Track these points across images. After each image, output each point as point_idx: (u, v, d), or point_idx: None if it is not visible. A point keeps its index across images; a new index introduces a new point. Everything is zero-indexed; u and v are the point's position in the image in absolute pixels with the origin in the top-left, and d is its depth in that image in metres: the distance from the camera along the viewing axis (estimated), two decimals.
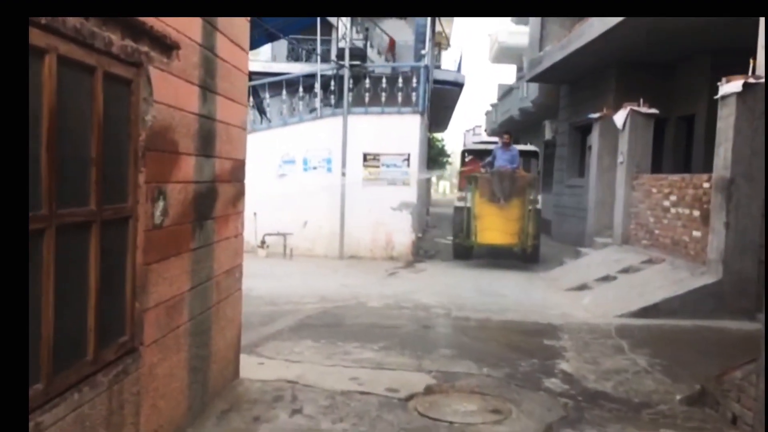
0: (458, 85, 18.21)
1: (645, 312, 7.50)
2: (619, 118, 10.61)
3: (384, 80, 12.23)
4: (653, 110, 10.38)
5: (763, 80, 7.31)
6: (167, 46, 3.25)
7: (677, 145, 13.19)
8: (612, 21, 10.84)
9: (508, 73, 43.47)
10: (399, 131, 12.14)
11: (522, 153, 12.67)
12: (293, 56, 18.25)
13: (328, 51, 16.26)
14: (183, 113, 3.57)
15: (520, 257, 11.87)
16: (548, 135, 18.34)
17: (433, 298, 8.61)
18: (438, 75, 17.63)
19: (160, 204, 3.30)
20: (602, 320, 7.42)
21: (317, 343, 6.03)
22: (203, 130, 3.91)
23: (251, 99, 12.42)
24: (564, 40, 13.56)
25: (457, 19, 26.93)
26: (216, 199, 4.23)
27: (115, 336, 2.95)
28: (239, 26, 4.56)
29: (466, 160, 14.61)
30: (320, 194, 12.18)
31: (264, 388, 4.63)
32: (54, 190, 2.38)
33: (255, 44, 14.61)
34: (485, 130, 33.71)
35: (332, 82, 12.40)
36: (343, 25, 13.83)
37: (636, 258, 9.53)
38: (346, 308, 7.83)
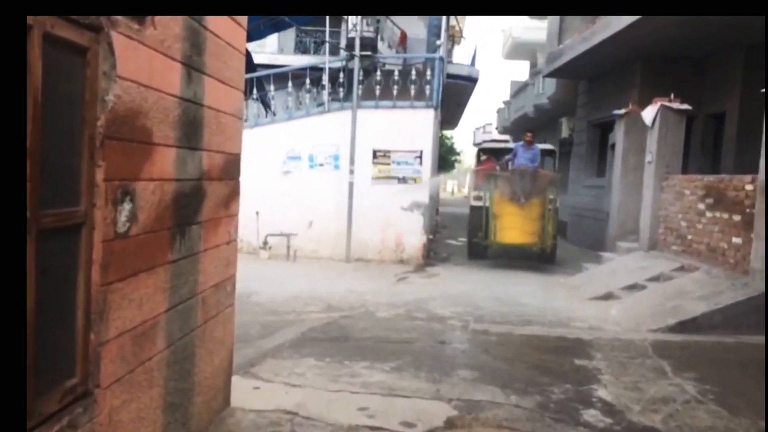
0: (472, 80, 17.51)
1: (683, 326, 6.80)
2: (648, 114, 9.90)
3: (396, 73, 11.54)
4: (686, 106, 9.66)
5: None
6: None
7: (705, 145, 12.46)
8: None
9: (520, 70, 42.76)
10: (411, 127, 11.46)
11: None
12: (301, 48, 17.60)
13: (338, 44, 15.60)
14: (159, 94, 2.90)
15: (538, 257, 11.71)
16: (565, 133, 17.63)
17: (447, 307, 7.94)
18: (451, 69, 16.94)
19: (126, 207, 2.63)
20: (635, 335, 6.73)
21: (321, 362, 5.36)
22: (187, 117, 3.24)
23: (255, 91, 11.77)
24: (587, 32, 12.84)
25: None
26: (203, 200, 3.57)
27: (60, 379, 2.29)
28: None
29: (482, 159, 13.97)
30: (327, 193, 11.53)
31: (258, 422, 3.97)
32: None
33: (260, 34, 13.95)
34: (496, 128, 33.04)
35: (341, 75, 11.71)
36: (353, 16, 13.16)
37: (666, 265, 8.83)
38: (353, 318, 7.17)
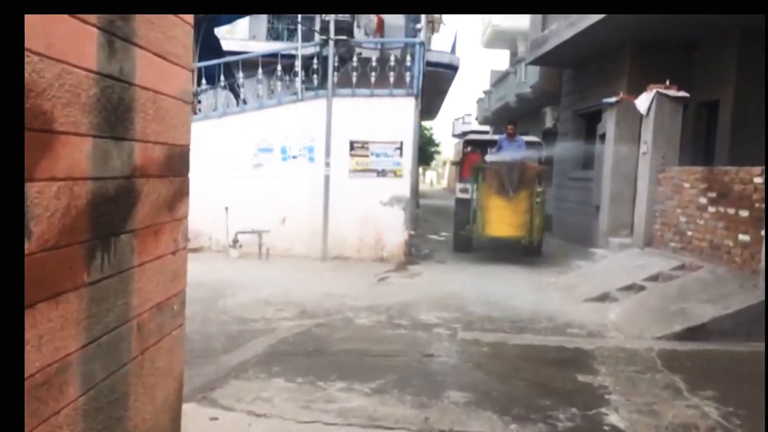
0: (452, 68, 16.85)
1: (690, 334, 6.22)
2: (643, 102, 9.32)
3: (373, 60, 10.84)
4: (683, 93, 9.09)
5: None
6: None
7: (697, 135, 11.92)
8: None
9: (500, 60, 42.22)
10: (391, 116, 10.76)
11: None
12: (273, 35, 16.79)
13: (311, 28, 14.81)
14: (64, 68, 2.17)
15: (523, 251, 11.70)
16: (549, 123, 17.05)
17: (433, 311, 7.29)
18: (430, 57, 16.23)
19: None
20: (640, 344, 6.13)
21: (292, 384, 4.67)
22: (109, 99, 2.51)
23: (222, 78, 10.97)
24: (574, 16, 12.21)
25: None
26: (136, 204, 2.84)
27: None
28: None
29: (467, 150, 13.54)
30: (301, 187, 10.80)
31: None
32: None
33: (228, 19, 13.15)
34: (476, 119, 32.46)
35: (315, 61, 10.96)
36: None
37: (665, 263, 8.27)
38: (329, 327, 6.48)
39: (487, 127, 30.63)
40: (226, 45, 14.71)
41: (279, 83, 10.90)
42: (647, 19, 10.74)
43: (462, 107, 75.93)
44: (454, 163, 44.23)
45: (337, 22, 10.44)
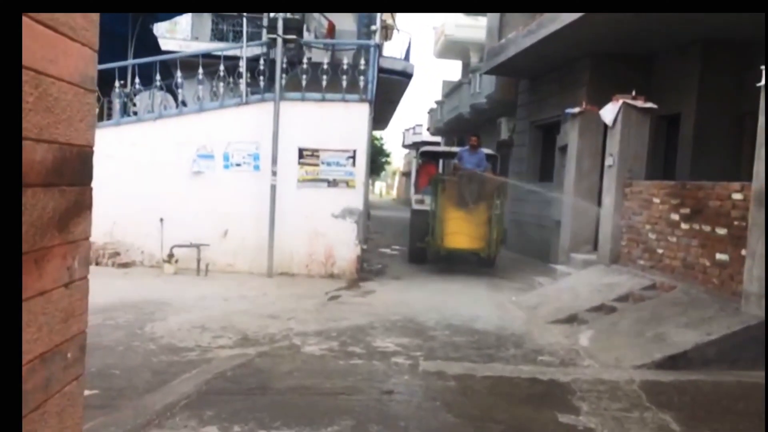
0: (406, 76, 16.25)
1: (673, 362, 5.69)
2: (609, 113, 8.89)
3: (325, 62, 10.14)
4: (650, 104, 8.70)
5: None
6: None
7: (656, 149, 11.60)
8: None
9: (451, 70, 42.10)
10: (343, 123, 10.07)
11: None
12: (217, 35, 15.88)
13: (259, 30, 13.98)
14: None
15: (478, 262, 11.83)
16: (504, 134, 16.64)
17: (390, 336, 6.60)
18: (383, 63, 15.58)
19: None
20: (619, 374, 5.56)
21: None
22: None
23: (158, 77, 10.05)
24: (533, 24, 11.81)
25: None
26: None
27: None
28: None
29: (421, 162, 13.61)
30: (245, 197, 9.98)
31: None
32: None
33: (167, 15, 12.25)
34: (428, 129, 32.06)
35: (262, 62, 10.16)
36: None
37: (634, 282, 7.80)
38: (274, 357, 5.70)
39: (438, 138, 30.27)
40: (165, 45, 13.77)
41: (221, 84, 10.04)
42: (612, 27, 10.39)
43: (413, 117, 75.90)
44: (404, 174, 43.87)
45: (285, 20, 9.68)
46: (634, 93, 8.86)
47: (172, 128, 10.01)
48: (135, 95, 10.36)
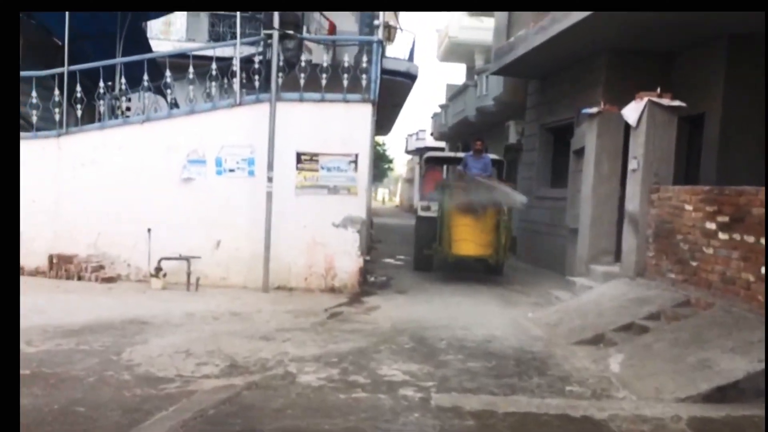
0: (410, 77, 15.55)
1: (722, 395, 4.96)
2: (632, 112, 8.19)
3: (325, 61, 9.45)
4: (678, 102, 7.99)
5: None
6: None
7: (678, 153, 10.87)
8: None
9: (455, 74, 41.41)
10: (344, 125, 9.37)
11: None
12: (214, 37, 15.21)
13: (257, 35, 13.30)
14: None
15: (485, 269, 11.60)
16: (513, 138, 15.92)
17: (397, 362, 5.88)
18: (386, 64, 14.90)
19: None
20: (661, 409, 4.83)
21: None
22: None
23: (145, 77, 9.36)
24: (545, 20, 11.12)
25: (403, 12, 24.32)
26: None
27: None
28: None
29: (425, 168, 13.38)
30: (239, 205, 9.29)
31: None
32: None
33: (157, 13, 11.59)
34: (432, 134, 31.36)
35: (256, 59, 9.46)
36: None
37: (665, 298, 7.07)
38: (265, 390, 4.97)
39: (442, 144, 29.57)
40: (159, 46, 13.11)
41: (214, 84, 9.34)
42: (624, 24, 9.70)
43: (416, 123, 75.12)
44: (408, 180, 43.14)
45: (282, 14, 8.98)
46: (659, 90, 8.16)
47: (160, 131, 9.32)
48: (121, 96, 9.67)
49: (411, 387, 5.15)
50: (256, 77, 9.26)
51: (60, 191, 9.30)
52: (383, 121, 22.47)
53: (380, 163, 32.17)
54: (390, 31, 17.51)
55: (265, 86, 9.32)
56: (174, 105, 10.23)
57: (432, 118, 30.65)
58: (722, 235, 6.57)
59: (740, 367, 5.15)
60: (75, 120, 9.36)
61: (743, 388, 4.99)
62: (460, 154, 13.07)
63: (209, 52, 9.69)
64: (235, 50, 9.43)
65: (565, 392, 5.24)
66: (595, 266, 9.10)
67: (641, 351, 6.08)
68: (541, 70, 13.38)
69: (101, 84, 9.27)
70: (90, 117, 9.93)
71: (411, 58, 15.86)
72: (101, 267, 9.13)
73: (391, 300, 9.19)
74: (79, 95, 9.17)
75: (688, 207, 7.18)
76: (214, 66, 9.30)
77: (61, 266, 9.07)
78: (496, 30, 15.08)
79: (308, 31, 14.33)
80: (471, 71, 24.91)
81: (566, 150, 12.33)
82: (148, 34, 14.93)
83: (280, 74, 9.23)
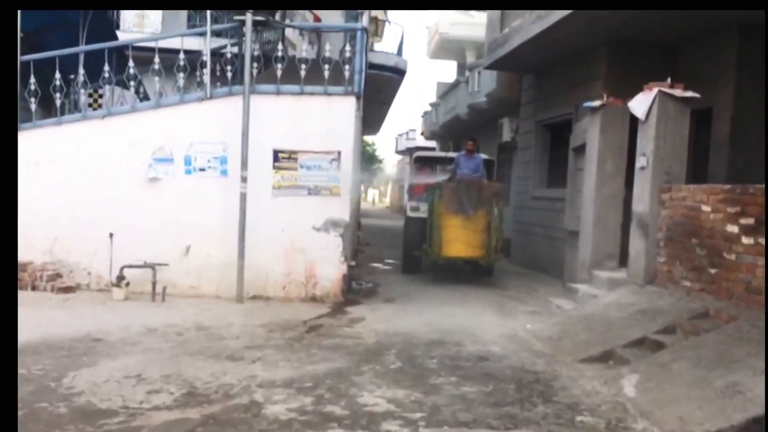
0: (399, 72, 14.83)
1: (759, 427, 4.24)
2: (640, 104, 7.48)
3: (304, 47, 8.71)
4: (691, 93, 7.29)
5: None
6: None
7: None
8: None
9: (446, 72, 40.63)
10: (325, 120, 8.61)
11: None
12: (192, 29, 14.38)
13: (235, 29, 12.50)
14: None
15: (474, 271, 11.38)
16: (506, 136, 15.22)
17: (380, 387, 5.12)
18: (374, 58, 14.22)
19: None
20: None
21: None
22: None
23: (108, 66, 8.56)
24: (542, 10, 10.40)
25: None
26: None
27: None
28: None
29: (414, 168, 13.09)
30: (210, 208, 8.52)
31: None
32: None
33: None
34: (422, 134, 30.68)
35: (229, 48, 8.69)
36: None
37: (680, 309, 6.37)
38: (224, 427, 4.20)
39: (433, 143, 28.88)
40: (132, 38, 12.29)
41: (182, 75, 8.55)
42: (627, 12, 9.01)
43: (406, 122, 74.21)
44: (398, 182, 42.40)
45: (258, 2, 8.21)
46: (669, 80, 7.46)
47: (123, 127, 8.54)
48: (80, 89, 8.86)
49: (396, 420, 4.40)
50: (229, 68, 8.49)
51: None
52: (371, 120, 21.75)
53: (370, 164, 31.39)
54: (378, 26, 16.80)
55: (239, 79, 8.56)
56: (145, 99, 9.43)
57: (422, 117, 29.95)
58: (746, 240, 5.86)
59: None
60: (29, 115, 8.54)
61: None
62: (452, 154, 12.75)
63: (180, 44, 8.88)
64: (205, 40, 8.64)
65: (576, 423, 4.50)
66: (599, 272, 8.39)
67: (658, 371, 5.35)
68: (537, 63, 12.69)
69: (57, 75, 8.47)
70: (56, 112, 9.15)
71: (400, 52, 15.18)
72: (58, 275, 8.32)
73: (377, 310, 8.44)
74: (32, 87, 8.36)
75: (706, 208, 6.47)
76: (182, 56, 8.52)
77: None
78: (488, 22, 14.38)
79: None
80: (462, 69, 24.25)
81: (564, 148, 11.64)
82: (122, 27, 14.16)
83: (255, 65, 8.48)
